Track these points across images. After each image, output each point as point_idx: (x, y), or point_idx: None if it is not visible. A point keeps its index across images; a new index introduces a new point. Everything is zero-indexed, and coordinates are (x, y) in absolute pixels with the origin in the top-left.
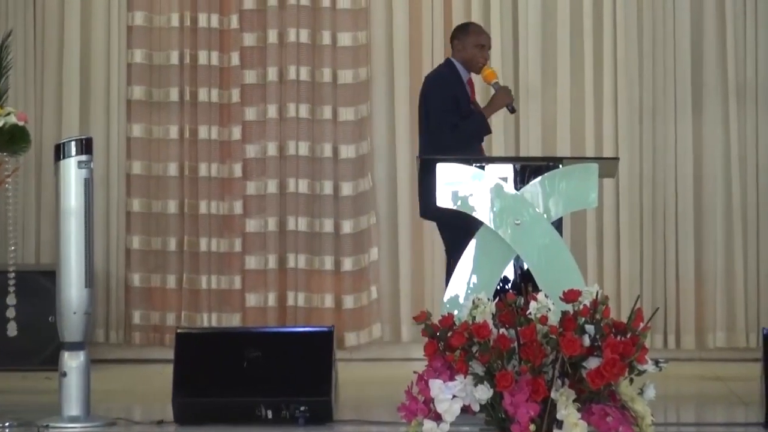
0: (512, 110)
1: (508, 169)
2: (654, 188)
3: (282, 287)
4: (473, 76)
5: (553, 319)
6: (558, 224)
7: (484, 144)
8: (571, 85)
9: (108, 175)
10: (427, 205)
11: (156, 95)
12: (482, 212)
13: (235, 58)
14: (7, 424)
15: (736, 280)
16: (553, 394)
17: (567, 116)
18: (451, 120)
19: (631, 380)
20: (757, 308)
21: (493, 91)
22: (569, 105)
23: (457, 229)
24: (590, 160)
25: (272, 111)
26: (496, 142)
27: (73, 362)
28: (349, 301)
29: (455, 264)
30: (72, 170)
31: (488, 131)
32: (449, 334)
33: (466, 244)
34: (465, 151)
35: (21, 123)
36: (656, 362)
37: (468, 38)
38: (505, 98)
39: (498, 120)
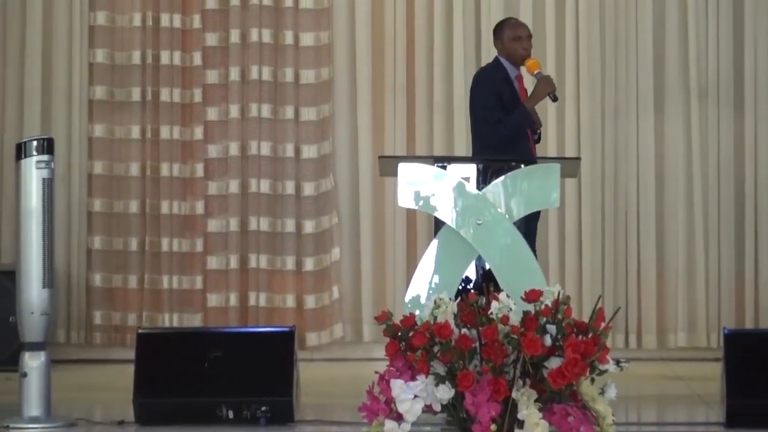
0: (554, 99)
1: (470, 169)
2: (616, 188)
3: (243, 287)
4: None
5: (515, 319)
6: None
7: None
8: None
9: (69, 175)
10: None
11: (118, 95)
12: (444, 212)
13: (197, 58)
14: None
15: (697, 279)
16: (514, 394)
17: None
18: (494, 116)
19: (593, 380)
20: (718, 308)
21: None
22: None
23: None
24: (552, 160)
25: (234, 111)
26: (458, 142)
27: (33, 362)
28: (310, 301)
29: None
30: (33, 170)
31: (532, 123)
32: (411, 334)
33: None
34: (511, 146)
35: None
36: (617, 362)
37: (504, 33)
38: (546, 87)
39: (460, 120)
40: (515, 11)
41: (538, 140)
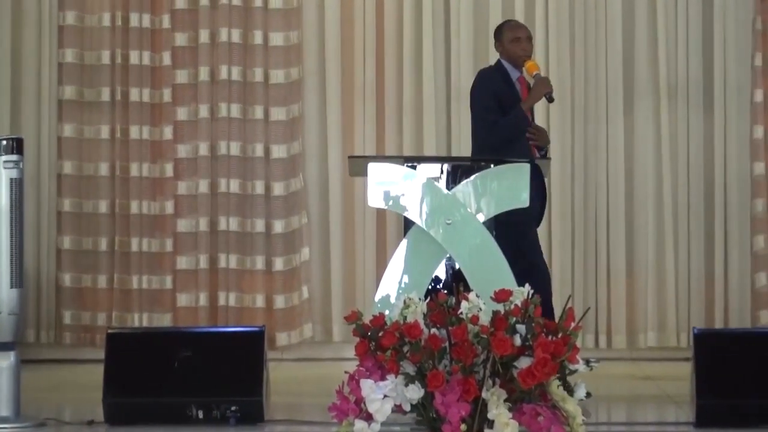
0: (551, 100)
1: (439, 169)
2: (586, 188)
3: (213, 287)
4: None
5: (485, 319)
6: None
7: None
8: None
9: (39, 175)
10: None
11: (87, 95)
12: (414, 212)
13: (166, 58)
14: None
15: (667, 280)
16: (484, 394)
17: None
18: (492, 118)
19: (563, 380)
20: (687, 308)
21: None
22: None
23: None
24: (522, 160)
25: (204, 111)
26: (427, 143)
27: (2, 362)
28: (280, 301)
29: None
30: (1, 170)
31: (528, 124)
32: (380, 334)
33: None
34: (509, 147)
35: None
36: (587, 362)
37: (504, 35)
38: (543, 88)
39: (429, 120)
40: (485, 12)
41: (544, 157)
